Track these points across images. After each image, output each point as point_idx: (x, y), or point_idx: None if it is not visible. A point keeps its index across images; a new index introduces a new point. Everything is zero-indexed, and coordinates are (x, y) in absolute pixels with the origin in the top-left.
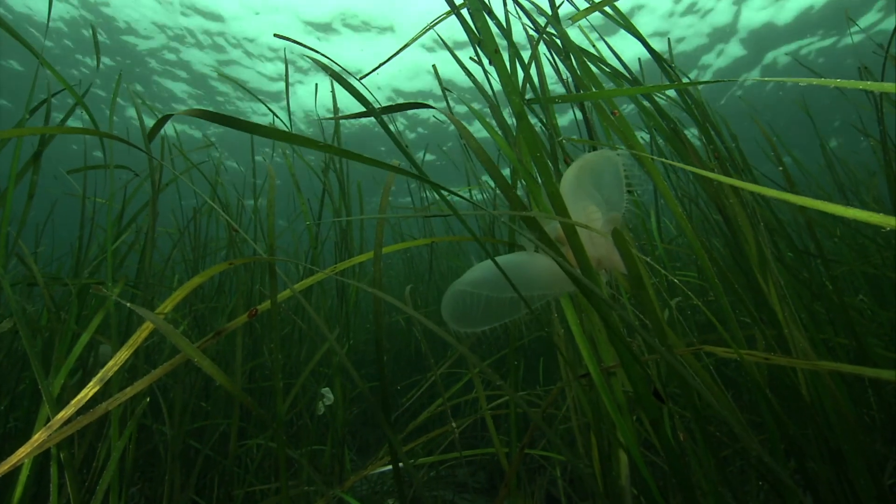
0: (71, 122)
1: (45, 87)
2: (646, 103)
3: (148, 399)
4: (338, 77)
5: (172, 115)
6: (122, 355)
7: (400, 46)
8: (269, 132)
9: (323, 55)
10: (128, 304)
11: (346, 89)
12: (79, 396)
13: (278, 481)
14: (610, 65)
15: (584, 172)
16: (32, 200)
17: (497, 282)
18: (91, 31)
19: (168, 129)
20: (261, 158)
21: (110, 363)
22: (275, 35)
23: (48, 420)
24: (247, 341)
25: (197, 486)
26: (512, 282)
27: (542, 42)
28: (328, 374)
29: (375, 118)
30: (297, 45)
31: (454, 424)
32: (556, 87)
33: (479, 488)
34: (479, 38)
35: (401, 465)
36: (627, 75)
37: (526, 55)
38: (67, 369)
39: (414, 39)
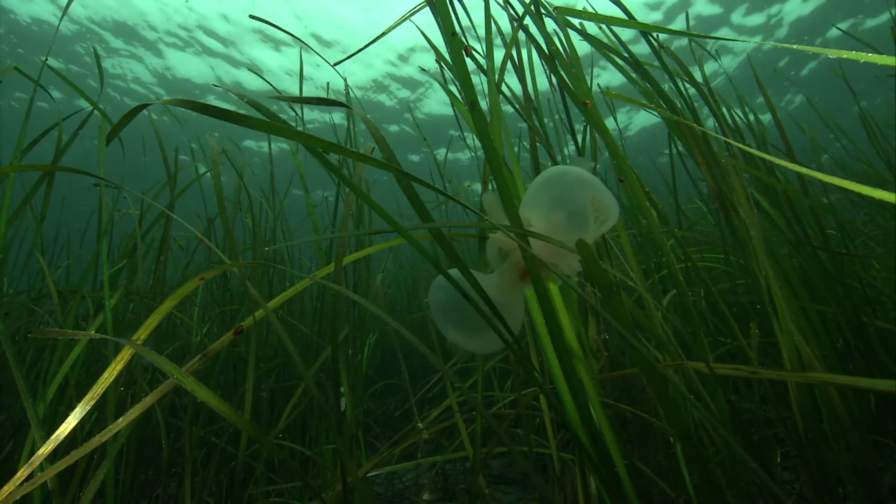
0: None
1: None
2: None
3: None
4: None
5: (148, 104)
6: (99, 389)
7: None
8: (242, 119)
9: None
10: (105, 336)
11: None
12: (57, 433)
13: (297, 481)
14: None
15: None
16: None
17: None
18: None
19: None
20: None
21: (88, 396)
22: (250, 16)
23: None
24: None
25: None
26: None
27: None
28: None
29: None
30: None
31: (421, 425)
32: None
33: (515, 479)
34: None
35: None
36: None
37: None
38: (56, 386)
39: (390, 28)
